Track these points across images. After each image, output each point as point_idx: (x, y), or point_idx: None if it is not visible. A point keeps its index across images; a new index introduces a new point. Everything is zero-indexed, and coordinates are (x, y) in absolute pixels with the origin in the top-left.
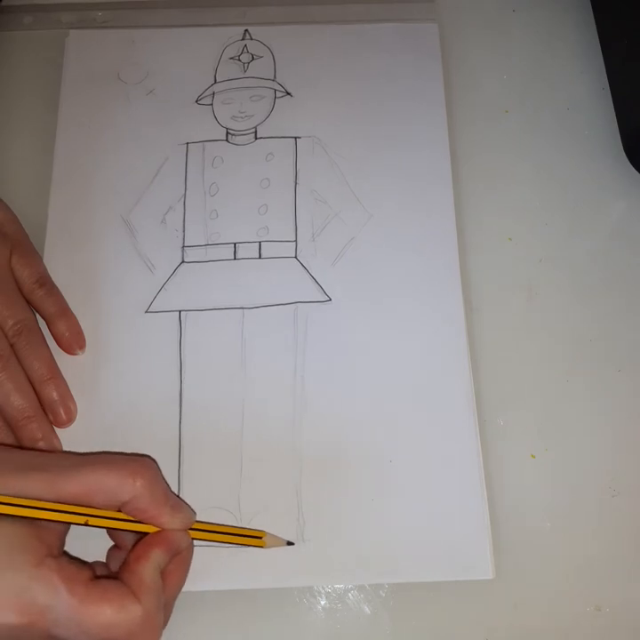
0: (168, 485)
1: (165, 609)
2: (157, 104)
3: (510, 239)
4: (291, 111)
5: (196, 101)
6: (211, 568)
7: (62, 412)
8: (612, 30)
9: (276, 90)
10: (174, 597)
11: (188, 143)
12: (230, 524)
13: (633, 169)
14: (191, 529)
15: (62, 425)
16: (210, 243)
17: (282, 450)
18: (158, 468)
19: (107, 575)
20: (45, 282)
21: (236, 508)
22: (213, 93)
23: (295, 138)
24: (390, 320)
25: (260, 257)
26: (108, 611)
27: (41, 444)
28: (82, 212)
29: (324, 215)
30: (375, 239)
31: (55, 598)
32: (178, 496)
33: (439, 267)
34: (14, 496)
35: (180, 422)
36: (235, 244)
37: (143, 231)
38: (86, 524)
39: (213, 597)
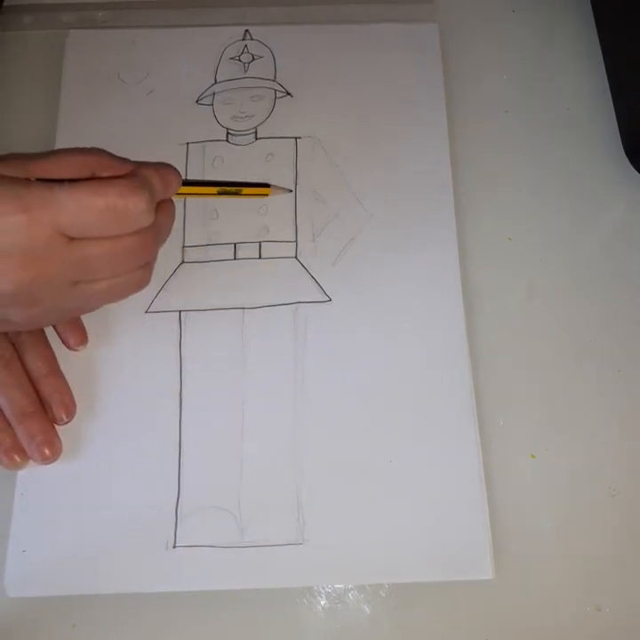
0: None
1: (156, 233)
2: (158, 104)
3: (510, 239)
4: (291, 111)
5: (197, 101)
6: (211, 568)
7: (61, 407)
8: (612, 31)
9: (276, 90)
10: (161, 233)
11: (188, 143)
12: (230, 524)
13: (633, 169)
14: (200, 185)
15: (61, 421)
16: (210, 243)
17: (282, 450)
18: None
19: None
20: None
21: (235, 508)
22: (214, 93)
23: (295, 138)
24: (390, 320)
25: (260, 257)
26: (98, 183)
27: (39, 439)
28: None
29: (324, 215)
30: (375, 239)
31: (51, 190)
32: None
33: (439, 267)
34: None
35: (179, 422)
36: (235, 244)
37: None
38: None
39: (214, 597)
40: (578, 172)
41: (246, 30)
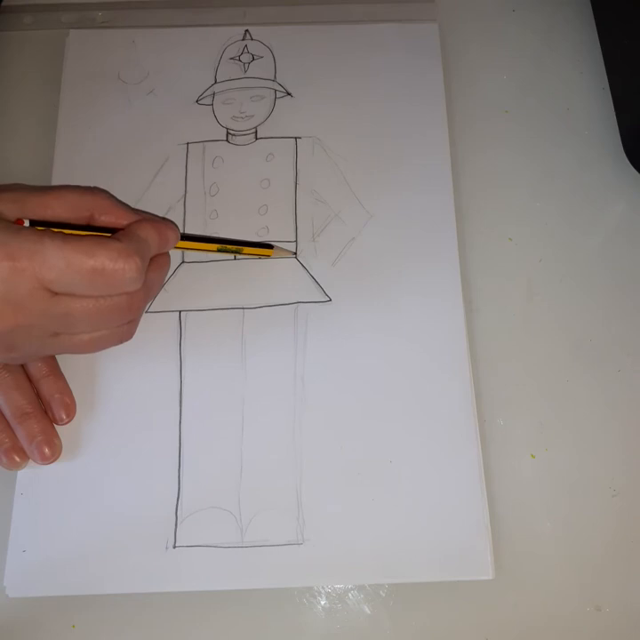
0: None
1: (146, 292)
2: (158, 104)
3: (510, 239)
4: (291, 111)
5: (197, 101)
6: (211, 568)
7: (61, 407)
8: (612, 30)
9: (276, 90)
10: (152, 288)
11: (188, 143)
12: (230, 524)
13: (633, 169)
14: (200, 241)
15: (61, 421)
16: None
17: (282, 450)
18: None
19: None
20: None
21: (236, 508)
22: (214, 93)
23: (295, 138)
24: (390, 320)
25: (260, 257)
26: (90, 242)
27: (39, 439)
28: None
29: (325, 215)
30: (375, 239)
31: (39, 242)
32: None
33: (439, 267)
34: None
35: (180, 422)
36: None
37: None
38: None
39: (214, 597)
40: (578, 172)
41: (246, 30)
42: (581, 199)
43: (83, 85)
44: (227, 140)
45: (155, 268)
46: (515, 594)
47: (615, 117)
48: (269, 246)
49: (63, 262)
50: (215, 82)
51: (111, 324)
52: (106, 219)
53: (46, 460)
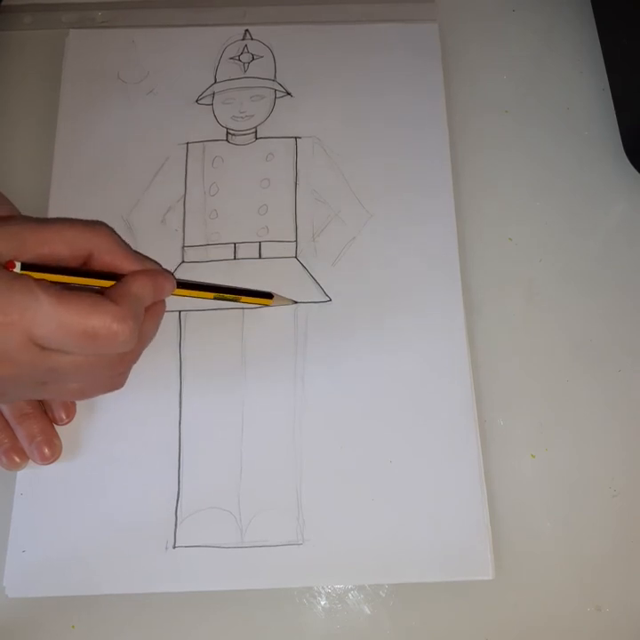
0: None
1: (140, 344)
2: (157, 104)
3: (510, 239)
4: (291, 111)
5: (197, 101)
6: (211, 568)
7: (61, 407)
8: (612, 30)
9: (276, 90)
10: (146, 338)
11: (188, 143)
12: (230, 524)
13: (633, 169)
14: (197, 288)
15: (61, 421)
16: (210, 243)
17: (282, 450)
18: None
19: None
20: None
21: (235, 508)
22: (214, 93)
23: (295, 138)
24: (390, 320)
25: (260, 257)
26: (84, 303)
27: (39, 439)
28: (82, 212)
29: (325, 215)
30: (375, 239)
31: (33, 298)
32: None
33: (439, 267)
34: None
35: (179, 422)
36: (235, 244)
37: (143, 231)
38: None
39: (214, 597)
40: (578, 171)
41: (246, 30)
42: (581, 199)
43: (82, 85)
44: (226, 140)
45: (149, 317)
46: (515, 594)
47: (615, 117)
48: (269, 295)
49: (55, 322)
50: (215, 81)
51: (101, 376)
52: (105, 259)
53: (46, 460)
